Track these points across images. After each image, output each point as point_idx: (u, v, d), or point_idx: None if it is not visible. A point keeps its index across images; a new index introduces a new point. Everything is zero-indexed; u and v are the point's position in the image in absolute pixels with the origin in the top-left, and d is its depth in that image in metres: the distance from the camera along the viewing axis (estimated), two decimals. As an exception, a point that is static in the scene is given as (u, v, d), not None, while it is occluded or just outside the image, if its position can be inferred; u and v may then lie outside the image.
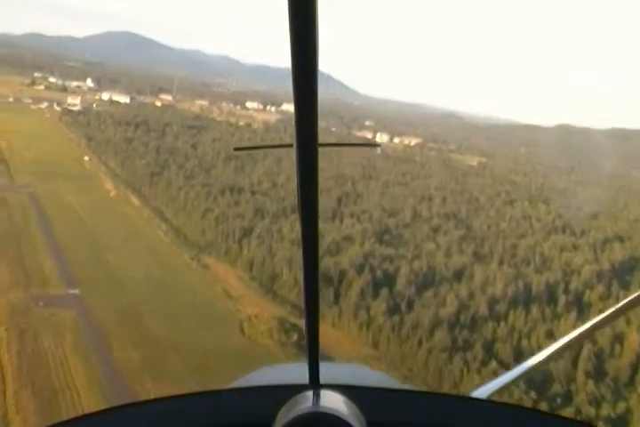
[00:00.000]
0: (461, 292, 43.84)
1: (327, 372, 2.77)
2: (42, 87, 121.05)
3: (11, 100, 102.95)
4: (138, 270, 43.64)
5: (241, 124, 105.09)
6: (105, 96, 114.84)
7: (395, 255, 48.61)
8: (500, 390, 3.10)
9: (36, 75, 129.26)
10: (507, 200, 67.93)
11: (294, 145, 1.44)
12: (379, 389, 3.11)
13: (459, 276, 46.88)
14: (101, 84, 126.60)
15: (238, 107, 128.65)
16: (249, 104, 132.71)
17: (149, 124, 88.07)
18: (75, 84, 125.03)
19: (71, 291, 39.47)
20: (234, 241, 49.85)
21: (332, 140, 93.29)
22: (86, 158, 72.08)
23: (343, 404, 2.54)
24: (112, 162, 70.51)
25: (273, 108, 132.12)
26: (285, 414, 2.45)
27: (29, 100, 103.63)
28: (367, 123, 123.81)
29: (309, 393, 2.64)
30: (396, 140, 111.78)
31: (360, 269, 45.36)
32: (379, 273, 45.35)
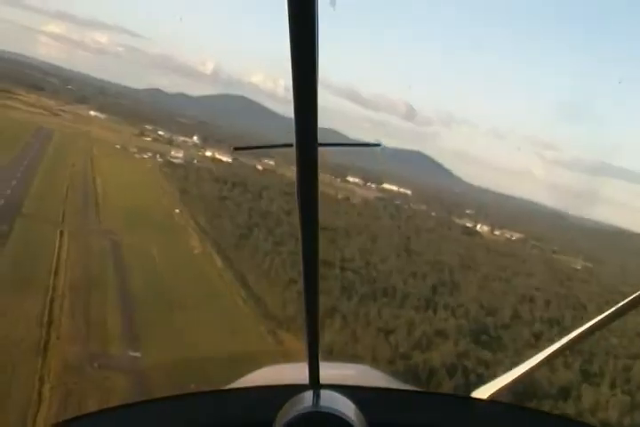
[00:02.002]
0: (568, 413, 38.13)
1: (327, 372, 2.85)
2: (149, 139, 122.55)
3: (118, 147, 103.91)
4: (208, 338, 39.86)
5: (339, 196, 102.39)
6: (208, 153, 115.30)
7: (492, 360, 43.45)
8: (500, 391, 3.07)
9: (146, 126, 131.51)
10: (617, 313, 61.32)
11: (294, 145, 1.51)
12: (379, 389, 3.33)
13: (564, 394, 41.31)
14: (207, 141, 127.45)
15: (338, 179, 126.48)
16: (350, 178, 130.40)
17: (247, 185, 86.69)
18: (181, 138, 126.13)
19: (132, 353, 35.75)
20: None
21: (432, 225, 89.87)
22: (177, 211, 70.12)
23: (343, 404, 2.64)
24: (202, 218, 68.16)
25: (373, 185, 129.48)
26: (285, 414, 2.55)
27: (135, 150, 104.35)
28: (468, 211, 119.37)
29: (309, 393, 2.73)
30: (497, 232, 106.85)
31: (452, 371, 40.56)
32: (473, 377, 40.18)
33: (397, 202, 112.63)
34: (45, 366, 31.90)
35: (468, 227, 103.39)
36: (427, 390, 4.99)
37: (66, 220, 54.12)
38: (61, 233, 49.78)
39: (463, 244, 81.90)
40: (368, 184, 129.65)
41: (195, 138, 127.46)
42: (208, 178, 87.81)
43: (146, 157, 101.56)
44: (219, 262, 56.72)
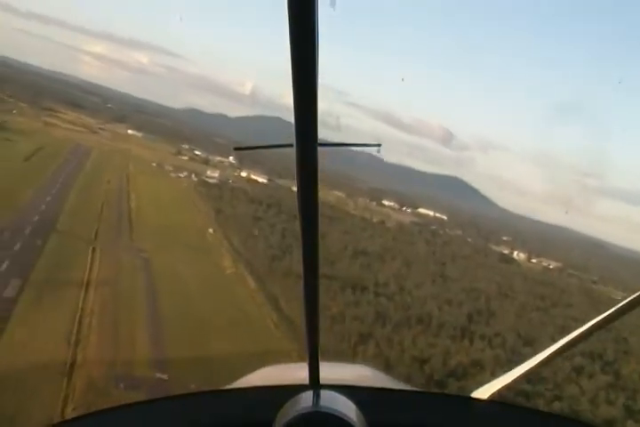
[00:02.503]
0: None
1: (327, 372, 2.85)
2: (186, 158, 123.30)
3: (154, 165, 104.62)
4: (239, 362, 38.66)
5: (374, 220, 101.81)
6: (243, 173, 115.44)
7: (531, 392, 41.68)
8: (500, 391, 3.09)
9: (183, 146, 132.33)
10: (662, 349, 59.08)
11: (294, 145, 1.52)
12: (379, 389, 3.30)
13: (609, 431, 39.60)
14: (243, 162, 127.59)
15: (374, 203, 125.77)
16: (385, 202, 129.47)
17: (281, 206, 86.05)
18: (218, 158, 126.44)
19: (159, 375, 34.73)
20: (348, 346, 44.42)
21: (468, 251, 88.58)
22: (210, 231, 69.65)
23: (343, 404, 2.64)
24: (235, 238, 67.50)
25: (409, 210, 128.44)
26: (285, 415, 2.56)
27: (171, 168, 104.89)
28: (504, 238, 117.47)
29: (309, 393, 2.73)
30: (534, 260, 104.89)
31: (490, 402, 38.77)
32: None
33: (433, 227, 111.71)
34: (70, 386, 31.12)
35: (504, 254, 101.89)
36: (427, 390, 4.66)
37: (99, 237, 53.85)
38: (93, 250, 49.46)
39: (500, 271, 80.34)
40: (404, 208, 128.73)
41: (231, 158, 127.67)
42: (243, 198, 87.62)
43: (181, 175, 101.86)
44: (251, 284, 55.83)
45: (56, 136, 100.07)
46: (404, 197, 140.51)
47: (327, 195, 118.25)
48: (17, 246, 44.88)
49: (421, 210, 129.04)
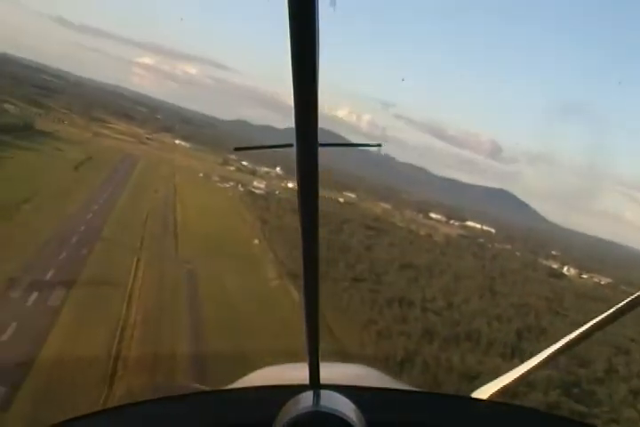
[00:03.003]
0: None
1: (327, 372, 2.89)
2: (233, 168, 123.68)
3: (201, 175, 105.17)
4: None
5: (421, 233, 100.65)
6: (290, 184, 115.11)
7: (587, 413, 40.08)
8: (500, 391, 3.10)
9: (230, 156, 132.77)
10: None
11: (294, 145, 1.53)
12: (379, 389, 3.32)
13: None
14: (290, 173, 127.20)
15: (421, 215, 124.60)
16: (432, 215, 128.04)
17: (328, 217, 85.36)
18: (264, 169, 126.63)
19: (198, 386, 34.18)
20: (395, 362, 43.30)
21: (517, 265, 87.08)
22: (256, 242, 69.25)
23: (343, 404, 2.65)
24: (281, 250, 66.80)
25: (456, 223, 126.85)
26: (285, 415, 2.57)
27: (217, 178, 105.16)
28: (554, 252, 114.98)
29: (309, 393, 2.75)
30: (585, 275, 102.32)
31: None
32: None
33: (481, 240, 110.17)
34: (110, 397, 30.72)
35: (554, 269, 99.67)
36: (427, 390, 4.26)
37: (144, 246, 53.77)
38: (138, 260, 49.30)
39: (550, 286, 78.42)
40: (451, 221, 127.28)
41: (277, 169, 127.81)
42: (289, 209, 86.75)
43: (228, 186, 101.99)
44: (296, 296, 54.97)
45: (105, 146, 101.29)
46: (451, 210, 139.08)
47: (374, 206, 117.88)
48: (63, 255, 45.02)
49: (469, 223, 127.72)
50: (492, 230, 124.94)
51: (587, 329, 2.80)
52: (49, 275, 40.55)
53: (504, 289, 68.83)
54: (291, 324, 48.71)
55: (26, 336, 31.61)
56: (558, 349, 2.89)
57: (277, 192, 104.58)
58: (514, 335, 52.25)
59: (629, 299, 2.44)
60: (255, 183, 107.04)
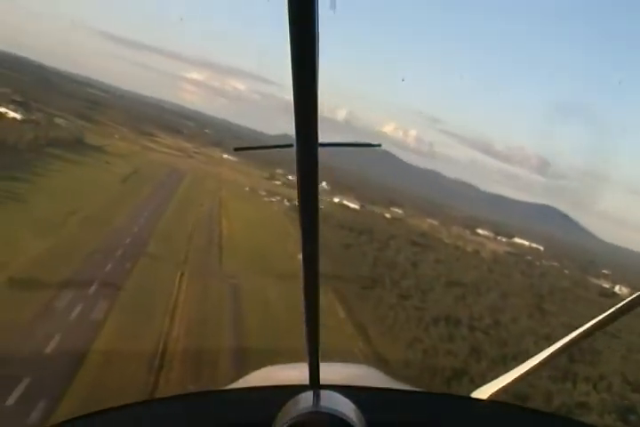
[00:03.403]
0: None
1: (327, 372, 2.85)
2: (279, 183, 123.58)
3: (247, 189, 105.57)
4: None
5: (468, 249, 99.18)
6: (336, 199, 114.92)
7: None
8: (500, 391, 3.12)
9: (277, 170, 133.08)
10: None
11: (294, 145, 1.56)
12: (379, 389, 3.36)
13: None
14: (336, 188, 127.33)
15: (468, 232, 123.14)
16: (479, 231, 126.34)
17: (374, 233, 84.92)
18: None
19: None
20: (442, 381, 42.18)
21: (566, 284, 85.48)
22: (299, 257, 68.45)
23: (343, 404, 2.66)
24: (325, 266, 66.18)
25: (504, 239, 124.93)
26: (285, 415, 2.58)
27: (263, 193, 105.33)
28: (604, 271, 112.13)
29: (309, 394, 2.75)
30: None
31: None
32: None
33: (529, 257, 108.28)
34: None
35: (605, 288, 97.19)
36: (427, 390, 4.04)
37: (188, 261, 53.60)
38: (182, 274, 49.07)
39: (601, 306, 75.66)
40: (498, 238, 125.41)
41: (323, 184, 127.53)
42: (334, 224, 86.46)
43: (273, 200, 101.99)
44: (341, 313, 54.27)
45: (153, 160, 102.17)
46: (498, 226, 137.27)
47: (420, 222, 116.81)
48: (107, 268, 44.98)
49: (517, 240, 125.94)
50: (540, 247, 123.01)
51: (587, 329, 2.76)
52: (93, 288, 40.46)
53: (553, 308, 67.12)
54: (334, 342, 47.93)
55: (68, 350, 31.36)
56: (558, 349, 2.88)
57: (322, 206, 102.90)
58: (565, 357, 50.57)
59: (629, 299, 2.40)
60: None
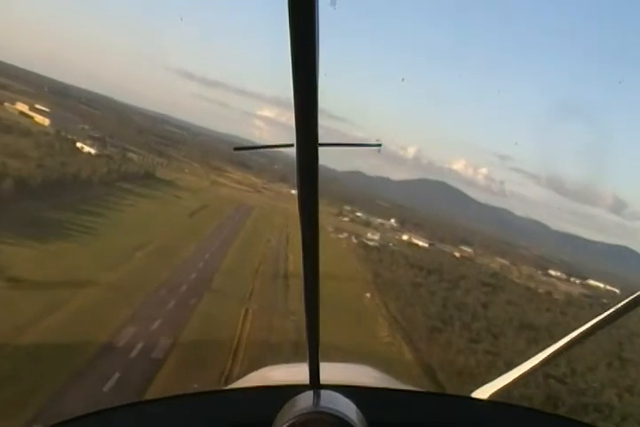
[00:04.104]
0: None
1: (327, 372, 2.87)
2: (347, 219, 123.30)
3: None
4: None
5: (540, 290, 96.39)
6: (404, 237, 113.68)
7: None
8: (500, 391, 3.15)
9: (345, 207, 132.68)
10: None
11: (294, 145, 1.54)
12: (379, 389, 3.36)
13: None
14: (404, 225, 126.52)
15: (540, 272, 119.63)
16: (552, 271, 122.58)
17: (443, 272, 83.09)
18: (379, 220, 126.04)
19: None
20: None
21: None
22: (367, 295, 67.34)
23: (343, 404, 2.64)
24: (393, 305, 64.64)
25: (577, 281, 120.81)
26: (285, 415, 2.56)
27: (331, 229, 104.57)
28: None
29: (309, 393, 2.75)
30: None
31: None
32: None
33: (604, 300, 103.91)
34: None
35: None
36: (427, 390, 4.04)
37: (253, 297, 52.89)
38: (246, 311, 48.22)
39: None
40: (571, 279, 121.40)
41: (392, 221, 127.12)
42: (403, 263, 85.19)
43: (341, 237, 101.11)
44: (408, 355, 52.58)
45: (221, 194, 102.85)
46: (571, 267, 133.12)
47: (490, 262, 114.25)
48: (171, 304, 44.47)
49: (591, 281, 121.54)
50: (616, 290, 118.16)
51: (587, 329, 2.71)
52: (155, 325, 40.00)
53: (634, 357, 63.71)
54: (404, 383, 46.07)
55: (126, 390, 30.54)
56: (558, 349, 2.86)
57: (391, 244, 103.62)
58: (614, 396, 47.87)
59: (629, 299, 2.40)
60: (369, 235, 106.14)
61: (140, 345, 36.11)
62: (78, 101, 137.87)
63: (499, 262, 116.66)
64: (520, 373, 3.11)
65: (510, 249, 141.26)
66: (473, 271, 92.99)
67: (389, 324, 59.60)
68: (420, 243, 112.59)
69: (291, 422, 2.46)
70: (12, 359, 31.37)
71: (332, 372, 3.24)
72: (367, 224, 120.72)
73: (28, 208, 55.34)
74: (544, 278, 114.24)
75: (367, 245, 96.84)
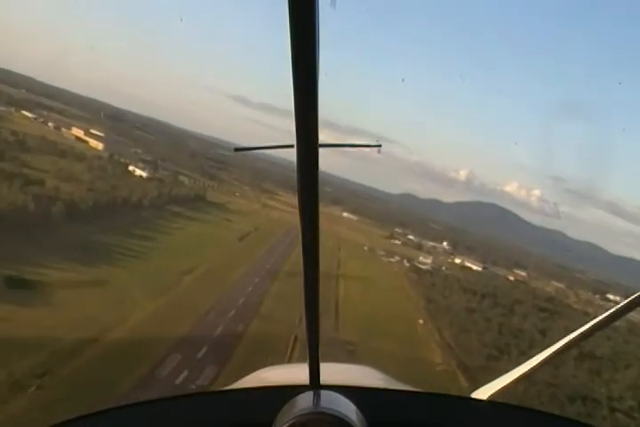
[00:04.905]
0: None
1: (327, 372, 2.86)
2: (398, 242, 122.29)
3: (365, 249, 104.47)
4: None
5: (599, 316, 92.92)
6: (457, 260, 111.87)
7: None
8: (500, 391, 3.13)
9: (396, 230, 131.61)
10: None
11: (294, 145, 1.54)
12: (379, 389, 3.41)
13: None
14: (457, 248, 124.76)
15: (597, 297, 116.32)
16: (610, 296, 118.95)
17: (497, 297, 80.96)
18: (430, 244, 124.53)
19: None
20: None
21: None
22: (420, 322, 65.67)
23: (343, 405, 2.65)
24: (447, 332, 62.73)
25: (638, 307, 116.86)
26: (286, 415, 2.56)
27: (382, 252, 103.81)
28: None
29: (310, 394, 2.77)
30: None
31: None
32: None
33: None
34: None
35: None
36: (427, 390, 3.77)
37: (302, 324, 51.43)
38: (295, 338, 46.99)
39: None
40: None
41: (444, 244, 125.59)
42: (456, 287, 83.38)
43: (393, 260, 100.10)
44: (464, 383, 50.61)
45: (272, 217, 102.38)
46: (631, 292, 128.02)
47: (545, 285, 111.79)
48: (218, 331, 43.67)
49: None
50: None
51: (586, 329, 2.71)
52: (201, 352, 39.17)
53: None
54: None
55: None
56: (558, 349, 2.86)
57: (444, 268, 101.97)
58: None
59: (629, 299, 2.38)
60: (421, 258, 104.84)
61: (184, 373, 35.49)
62: (133, 126, 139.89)
63: (554, 286, 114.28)
64: (520, 373, 3.05)
65: (565, 272, 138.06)
66: (528, 296, 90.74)
67: (443, 351, 57.78)
68: (474, 266, 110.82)
69: (291, 422, 2.46)
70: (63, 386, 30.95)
71: (331, 372, 3.22)
72: (419, 247, 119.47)
73: (77, 232, 55.38)
74: (602, 303, 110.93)
75: (419, 269, 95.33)
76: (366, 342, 51.50)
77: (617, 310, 2.49)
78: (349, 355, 48.06)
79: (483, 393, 3.16)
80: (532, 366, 2.98)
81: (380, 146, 2.24)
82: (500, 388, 3.10)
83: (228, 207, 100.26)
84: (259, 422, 2.65)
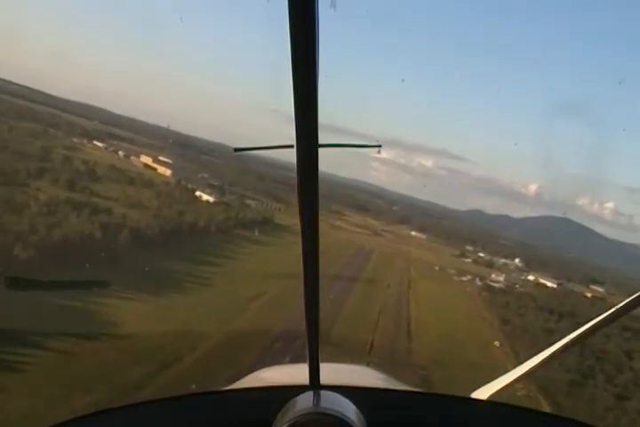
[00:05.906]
0: None
1: (327, 372, 2.92)
2: (469, 260, 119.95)
3: (436, 268, 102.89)
4: None
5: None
6: (530, 277, 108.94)
7: None
8: (500, 391, 3.18)
9: (467, 247, 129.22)
10: None
11: (294, 145, 1.56)
12: (379, 389, 3.41)
13: None
14: (530, 265, 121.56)
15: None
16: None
17: (575, 316, 77.66)
18: (502, 261, 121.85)
19: None
20: None
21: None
22: (496, 344, 63.53)
23: (343, 405, 2.69)
24: (525, 355, 59.82)
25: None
26: (285, 415, 2.59)
27: (453, 271, 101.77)
28: None
29: (310, 394, 2.80)
30: None
31: None
32: None
33: None
34: None
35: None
36: (427, 390, 3.89)
37: (373, 350, 50.37)
38: (367, 365, 45.50)
39: None
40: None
41: (516, 260, 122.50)
42: (531, 306, 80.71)
43: (464, 279, 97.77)
44: (547, 408, 48.21)
45: (340, 238, 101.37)
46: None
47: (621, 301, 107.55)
48: (286, 360, 42.50)
49: None
50: None
51: (586, 329, 2.70)
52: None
53: None
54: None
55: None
56: (558, 349, 2.87)
57: (517, 286, 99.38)
58: None
59: (629, 299, 2.38)
60: (493, 276, 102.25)
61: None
62: (200, 152, 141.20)
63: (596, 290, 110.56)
64: (519, 373, 3.07)
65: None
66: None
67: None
68: (548, 283, 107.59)
69: (291, 422, 2.46)
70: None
71: (331, 372, 3.15)
72: (490, 265, 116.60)
73: (142, 259, 55.28)
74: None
75: (492, 288, 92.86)
76: (440, 366, 50.19)
77: (617, 310, 2.44)
78: (423, 381, 46.52)
79: (483, 393, 3.22)
80: (531, 367, 3.00)
81: (379, 146, 2.19)
82: (499, 388, 3.18)
83: (294, 230, 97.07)
84: (259, 422, 2.62)
